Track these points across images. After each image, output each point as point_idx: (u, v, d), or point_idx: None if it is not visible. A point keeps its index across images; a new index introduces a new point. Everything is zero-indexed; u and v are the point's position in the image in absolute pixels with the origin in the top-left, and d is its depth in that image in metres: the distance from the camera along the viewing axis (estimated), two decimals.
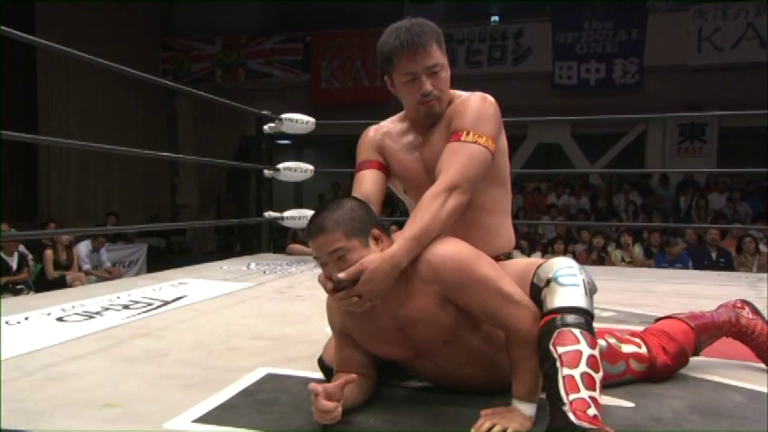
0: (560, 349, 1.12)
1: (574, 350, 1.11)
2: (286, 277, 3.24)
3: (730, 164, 8.39)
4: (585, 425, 1.04)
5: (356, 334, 1.30)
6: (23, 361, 1.58)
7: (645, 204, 8.45)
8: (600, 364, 1.13)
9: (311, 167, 4.17)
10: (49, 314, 2.14)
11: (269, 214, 4.15)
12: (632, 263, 6.05)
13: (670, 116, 8.30)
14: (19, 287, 5.45)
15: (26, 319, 2.06)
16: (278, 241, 5.04)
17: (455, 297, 1.18)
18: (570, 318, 1.15)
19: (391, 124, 1.53)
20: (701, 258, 5.86)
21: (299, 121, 4.06)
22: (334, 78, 10.28)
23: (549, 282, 1.20)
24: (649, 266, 5.67)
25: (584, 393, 1.08)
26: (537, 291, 1.22)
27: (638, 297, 2.70)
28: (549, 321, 1.16)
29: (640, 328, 1.61)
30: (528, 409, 1.17)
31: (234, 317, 2.22)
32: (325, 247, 1.16)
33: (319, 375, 1.34)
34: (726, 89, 8.23)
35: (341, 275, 1.14)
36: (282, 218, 4.12)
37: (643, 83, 8.96)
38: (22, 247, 5.74)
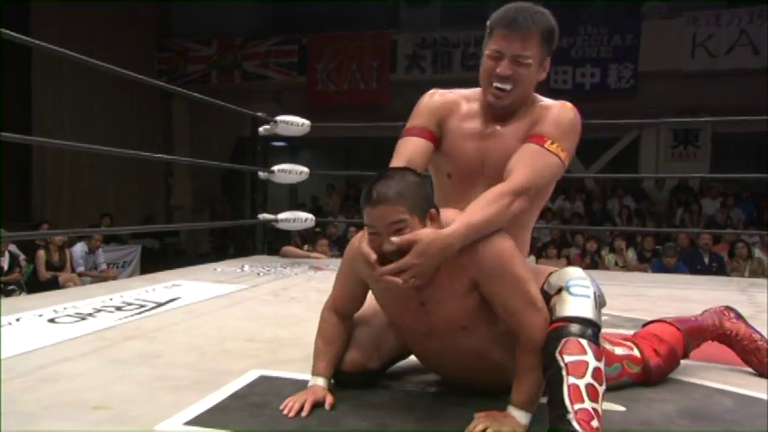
0: (567, 358, 1.11)
1: (580, 360, 1.11)
2: (280, 279, 3.23)
3: (723, 169, 8.41)
4: None
5: (375, 291, 1.31)
6: (14, 362, 1.57)
7: (639, 209, 8.48)
8: (604, 377, 1.12)
9: (306, 170, 4.17)
10: (40, 315, 2.13)
11: (263, 216, 4.15)
12: (626, 267, 6.07)
13: (663, 122, 8.32)
14: (10, 288, 5.42)
15: (17, 320, 2.05)
16: (272, 243, 5.04)
17: (485, 284, 1.18)
18: (578, 328, 1.14)
19: (460, 98, 1.43)
20: (694, 263, 5.89)
21: (294, 124, 4.07)
22: (330, 81, 10.29)
23: (560, 290, 1.20)
24: (643, 271, 5.70)
25: (588, 404, 1.08)
26: (547, 298, 1.22)
27: (632, 301, 2.71)
28: (557, 329, 1.16)
29: (632, 332, 1.62)
30: (523, 417, 1.16)
31: (227, 319, 2.22)
32: (386, 217, 1.13)
33: (310, 377, 1.33)
34: (719, 95, 8.29)
35: (394, 239, 1.13)
36: (277, 220, 4.12)
37: (637, 88, 9.00)
38: (13, 247, 5.70)
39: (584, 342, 1.13)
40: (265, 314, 2.31)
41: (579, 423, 1.06)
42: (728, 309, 1.66)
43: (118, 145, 3.46)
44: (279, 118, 4.03)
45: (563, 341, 1.13)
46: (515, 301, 1.18)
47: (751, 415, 1.32)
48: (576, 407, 1.07)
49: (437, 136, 1.40)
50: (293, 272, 3.49)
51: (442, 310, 1.22)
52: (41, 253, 5.81)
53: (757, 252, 6.10)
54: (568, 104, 1.36)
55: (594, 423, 1.06)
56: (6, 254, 5.56)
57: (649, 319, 1.80)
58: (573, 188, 8.99)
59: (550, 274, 1.25)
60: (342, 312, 1.38)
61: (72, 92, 8.97)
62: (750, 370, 1.61)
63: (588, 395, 1.08)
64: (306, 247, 4.94)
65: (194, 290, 2.78)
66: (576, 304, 1.17)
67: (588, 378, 1.09)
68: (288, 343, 1.85)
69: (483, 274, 1.18)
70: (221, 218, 10.12)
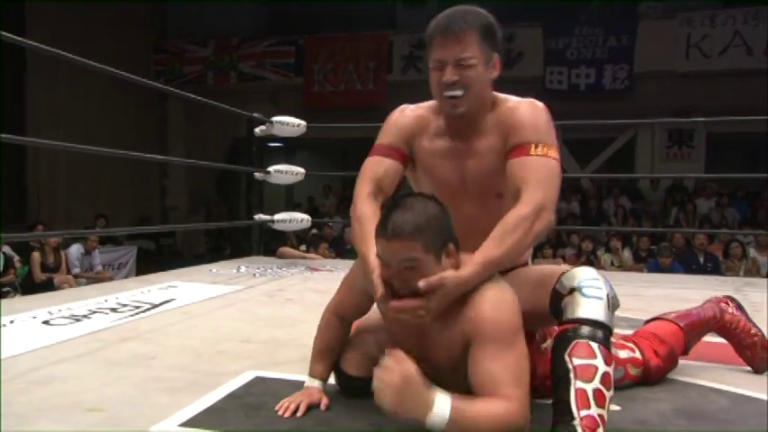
0: (576, 360, 1.09)
1: (589, 364, 1.09)
2: (276, 280, 3.22)
3: (718, 169, 8.46)
4: None
5: (379, 308, 1.26)
6: (8, 364, 1.56)
7: (634, 209, 8.51)
8: (612, 382, 1.10)
9: (302, 170, 4.17)
10: (35, 317, 2.12)
11: (259, 217, 4.14)
12: (621, 267, 6.08)
13: (658, 122, 8.35)
14: (5, 289, 5.39)
15: (12, 322, 2.04)
16: (268, 244, 5.03)
17: (473, 344, 1.11)
18: (589, 330, 1.12)
19: (429, 114, 1.38)
20: (689, 262, 5.91)
21: (290, 124, 4.06)
22: (326, 82, 10.28)
23: (572, 291, 1.17)
24: (639, 271, 5.71)
25: (594, 410, 1.06)
26: (559, 298, 1.19)
27: (628, 301, 2.70)
28: (568, 331, 1.13)
29: (630, 332, 1.62)
30: (440, 410, 1.00)
31: (223, 320, 2.21)
32: (400, 253, 1.08)
33: (306, 378, 1.33)
34: (713, 95, 8.31)
35: (421, 283, 1.07)
36: (273, 221, 4.11)
37: (633, 88, 9.02)
38: (7, 249, 5.67)
39: (594, 345, 1.10)
40: (261, 315, 2.30)
41: (584, 430, 1.04)
42: (730, 299, 1.66)
43: (113, 146, 3.44)
44: (275, 119, 4.02)
45: (573, 343, 1.11)
46: (497, 374, 1.07)
47: (746, 414, 1.32)
48: (583, 413, 1.05)
49: (407, 154, 1.37)
50: (289, 273, 3.49)
51: (434, 350, 1.19)
52: (36, 254, 5.78)
53: (752, 252, 6.12)
54: (535, 103, 1.31)
55: (600, 431, 1.05)
56: (1, 255, 5.53)
57: (646, 318, 1.81)
58: (569, 188, 9.01)
59: (563, 273, 1.21)
60: (344, 317, 1.35)
61: (67, 93, 8.93)
62: (743, 368, 1.62)
63: (595, 401, 1.06)
64: (302, 248, 4.94)
65: (190, 291, 2.77)
66: (588, 306, 1.14)
67: (596, 383, 1.07)
68: (284, 344, 1.85)
69: (474, 334, 1.10)
70: (217, 219, 10.10)
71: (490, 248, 1.15)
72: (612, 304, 1.17)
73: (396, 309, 1.11)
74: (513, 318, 1.12)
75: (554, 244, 6.84)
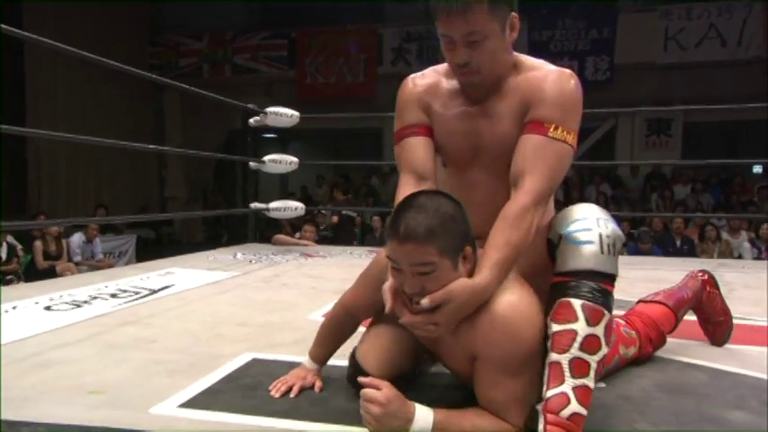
0: (555, 327, 0.96)
1: (567, 330, 0.95)
2: (272, 266, 3.20)
3: (693, 157, 8.51)
4: None
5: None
6: (11, 349, 1.54)
7: (615, 195, 8.54)
8: (602, 341, 0.95)
9: (296, 160, 4.13)
10: (36, 303, 2.09)
11: (255, 205, 4.11)
12: None
13: (638, 110, 8.38)
14: (8, 278, 5.33)
15: (14, 308, 2.01)
16: (264, 231, 5.00)
17: (480, 359, 1.01)
18: (573, 285, 0.97)
19: (438, 77, 1.22)
20: (667, 245, 5.96)
21: (284, 115, 4.02)
22: (318, 74, 10.20)
23: (560, 238, 1.02)
24: (621, 254, 5.73)
25: (569, 384, 0.93)
26: (552, 248, 1.05)
27: None
28: (554, 286, 1.00)
29: (620, 313, 1.60)
30: (423, 419, 0.97)
31: (220, 304, 2.19)
32: (412, 257, 0.94)
33: (301, 359, 1.32)
34: (690, 86, 8.34)
35: (424, 302, 0.95)
36: (268, 209, 4.08)
37: (613, 79, 9.03)
38: (10, 238, 5.61)
39: (576, 304, 0.96)
40: (257, 300, 2.29)
41: (546, 417, 0.92)
42: (708, 274, 1.65)
43: (112, 138, 3.38)
44: (268, 109, 3.97)
45: (556, 304, 0.98)
46: (498, 401, 0.99)
47: (723, 388, 1.33)
48: (551, 392, 0.94)
49: (430, 126, 1.21)
50: (284, 259, 3.46)
51: (448, 355, 1.10)
52: (38, 243, 5.72)
53: (725, 235, 6.18)
54: (566, 72, 1.12)
55: (566, 411, 0.92)
56: (4, 244, 5.47)
57: (628, 299, 1.82)
58: None
59: (554, 218, 1.07)
60: (355, 315, 1.25)
61: (66, 85, 8.79)
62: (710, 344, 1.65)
63: (572, 372, 0.94)
64: (297, 235, 4.91)
65: (188, 277, 2.75)
66: (575, 255, 0.99)
67: (575, 351, 0.94)
68: (279, 327, 1.83)
69: (479, 353, 1.00)
70: (214, 207, 10.03)
71: (499, 246, 1.00)
72: (610, 243, 1.00)
73: (406, 323, 1.00)
74: (526, 335, 0.98)
75: None
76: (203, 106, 9.80)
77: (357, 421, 1.03)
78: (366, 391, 0.98)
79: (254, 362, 1.45)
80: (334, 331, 1.28)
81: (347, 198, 8.71)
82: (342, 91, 9.92)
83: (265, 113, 3.95)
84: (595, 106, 6.89)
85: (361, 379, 1.01)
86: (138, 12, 10.37)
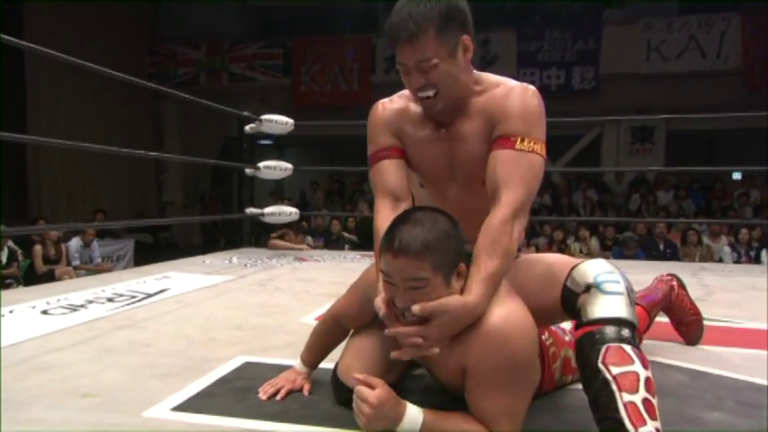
0: (614, 369, 0.92)
1: (630, 371, 0.92)
2: (266, 270, 3.19)
3: (676, 164, 8.58)
4: None
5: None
6: (7, 353, 1.52)
7: (600, 201, 8.59)
8: (655, 387, 0.94)
9: (290, 166, 4.12)
10: (33, 307, 2.07)
11: (250, 210, 4.10)
12: (590, 254, 6.14)
13: (623, 119, 8.44)
14: (8, 281, 5.28)
15: (11, 312, 1.99)
16: (259, 236, 4.98)
17: (471, 372, 0.99)
18: (615, 331, 0.95)
19: (406, 102, 1.23)
20: (650, 249, 5.99)
21: (279, 122, 4.01)
22: (313, 82, 10.21)
23: (588, 287, 1.00)
24: (605, 257, 5.75)
25: (651, 426, 0.88)
26: (572, 296, 1.03)
27: None
28: (592, 333, 0.96)
29: None
30: (413, 420, 0.96)
31: (215, 308, 2.17)
32: (406, 271, 0.92)
33: (292, 362, 1.31)
34: (672, 95, 8.42)
35: (415, 308, 0.92)
36: (263, 214, 4.07)
37: (599, 89, 9.10)
38: (11, 243, 5.56)
39: (628, 349, 0.94)
40: (251, 303, 2.27)
41: None
42: (675, 278, 1.69)
43: (111, 145, 3.37)
44: (263, 117, 3.97)
45: (604, 348, 0.94)
46: (489, 413, 0.97)
47: (703, 388, 1.33)
48: (642, 431, 0.88)
49: (402, 148, 1.22)
50: (279, 263, 3.45)
51: (435, 365, 1.08)
52: (38, 248, 5.67)
53: (706, 239, 6.22)
54: (526, 86, 1.13)
55: None
56: (5, 249, 5.42)
57: None
58: (542, 183, 9.05)
59: (573, 268, 1.05)
60: (343, 324, 1.24)
61: (66, 94, 8.74)
62: (699, 347, 1.66)
63: (648, 413, 0.90)
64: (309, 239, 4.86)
65: (183, 281, 2.73)
66: (610, 303, 0.97)
67: (643, 392, 0.91)
68: (272, 330, 1.82)
69: (469, 366, 0.98)
70: (211, 213, 10.00)
71: (485, 261, 0.99)
72: (632, 296, 1.01)
73: (394, 335, 0.96)
74: (517, 348, 0.95)
75: (528, 234, 6.88)
76: (200, 114, 9.78)
77: (346, 424, 1.02)
78: (359, 390, 0.96)
79: (247, 365, 1.44)
80: (324, 339, 1.28)
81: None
82: (336, 98, 9.93)
83: (261, 121, 3.95)
84: (582, 114, 7.02)
85: (357, 376, 0.98)
86: (136, 21, 10.34)
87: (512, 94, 1.13)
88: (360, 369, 1.11)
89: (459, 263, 0.96)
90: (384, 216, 1.15)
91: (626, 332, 0.96)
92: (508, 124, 1.10)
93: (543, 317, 1.07)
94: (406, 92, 1.24)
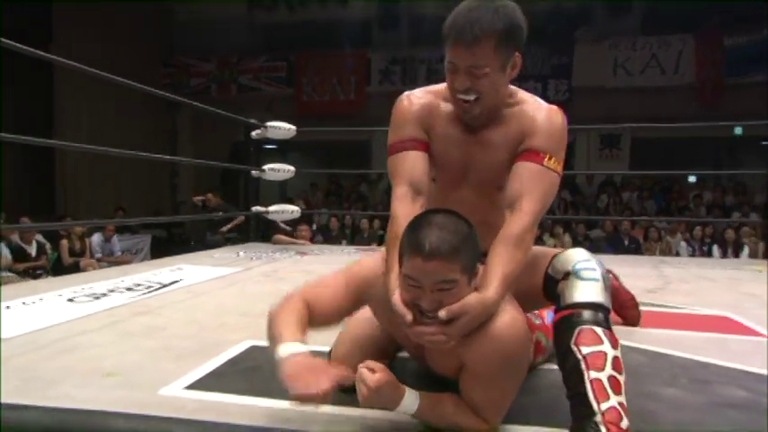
0: (584, 349, 0.93)
1: (598, 351, 0.92)
2: (271, 263, 3.19)
3: (640, 168, 8.64)
4: None
5: (378, 316, 1.09)
6: (37, 336, 1.52)
7: (573, 201, 8.64)
8: (623, 366, 0.94)
9: (292, 168, 4.12)
10: (60, 295, 2.06)
11: (256, 209, 4.09)
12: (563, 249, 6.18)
13: (593, 128, 8.50)
14: (38, 272, 5.26)
15: (41, 299, 1.98)
16: (265, 232, 4.97)
17: (470, 370, 0.95)
18: (590, 314, 0.95)
19: (433, 98, 1.15)
20: (616, 244, 6.04)
21: (282, 128, 4.01)
22: (314, 92, 10.20)
23: (567, 275, 1.00)
24: None
25: (614, 400, 0.89)
26: (553, 282, 1.03)
27: None
28: (568, 317, 0.97)
29: None
30: (410, 403, 0.94)
31: (224, 297, 2.18)
32: (437, 274, 0.86)
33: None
34: (636, 107, 8.49)
35: (441, 314, 0.87)
36: (268, 212, 4.07)
37: (572, 100, 9.15)
38: (39, 237, 5.54)
39: (598, 330, 0.94)
40: (257, 292, 2.27)
41: (608, 427, 0.87)
42: (611, 272, 1.70)
43: (130, 149, 3.36)
44: (268, 123, 3.96)
45: (577, 330, 0.94)
46: (480, 402, 0.95)
47: (661, 368, 1.35)
48: (604, 406, 0.88)
49: (427, 142, 1.12)
50: (282, 257, 3.45)
51: (436, 360, 1.03)
52: (64, 242, 5.65)
53: (665, 235, 6.28)
54: (555, 109, 1.11)
55: (624, 423, 0.88)
56: (34, 242, 5.40)
57: None
58: None
59: (555, 256, 1.04)
60: (313, 309, 1.06)
61: (90, 104, 8.68)
62: (655, 330, 1.69)
63: (612, 389, 0.90)
64: (292, 230, 4.88)
65: (195, 273, 2.73)
66: (586, 289, 0.97)
67: (609, 370, 0.91)
68: None
69: (471, 364, 0.94)
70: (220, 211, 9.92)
71: (506, 262, 0.95)
72: (607, 282, 1.00)
73: (418, 334, 0.91)
74: (517, 354, 0.93)
75: None
76: (211, 121, 9.73)
77: (348, 401, 1.02)
78: (361, 372, 0.93)
79: (253, 348, 1.45)
80: (294, 314, 1.04)
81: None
82: (334, 107, 9.93)
83: (266, 127, 3.94)
84: None
85: (362, 363, 0.94)
86: (152, 36, 10.28)
87: (543, 111, 1.10)
88: (357, 355, 1.08)
89: (477, 263, 0.92)
90: (404, 206, 1.07)
91: (598, 315, 0.96)
92: (538, 139, 1.07)
93: (527, 302, 1.05)
94: (431, 88, 1.17)
